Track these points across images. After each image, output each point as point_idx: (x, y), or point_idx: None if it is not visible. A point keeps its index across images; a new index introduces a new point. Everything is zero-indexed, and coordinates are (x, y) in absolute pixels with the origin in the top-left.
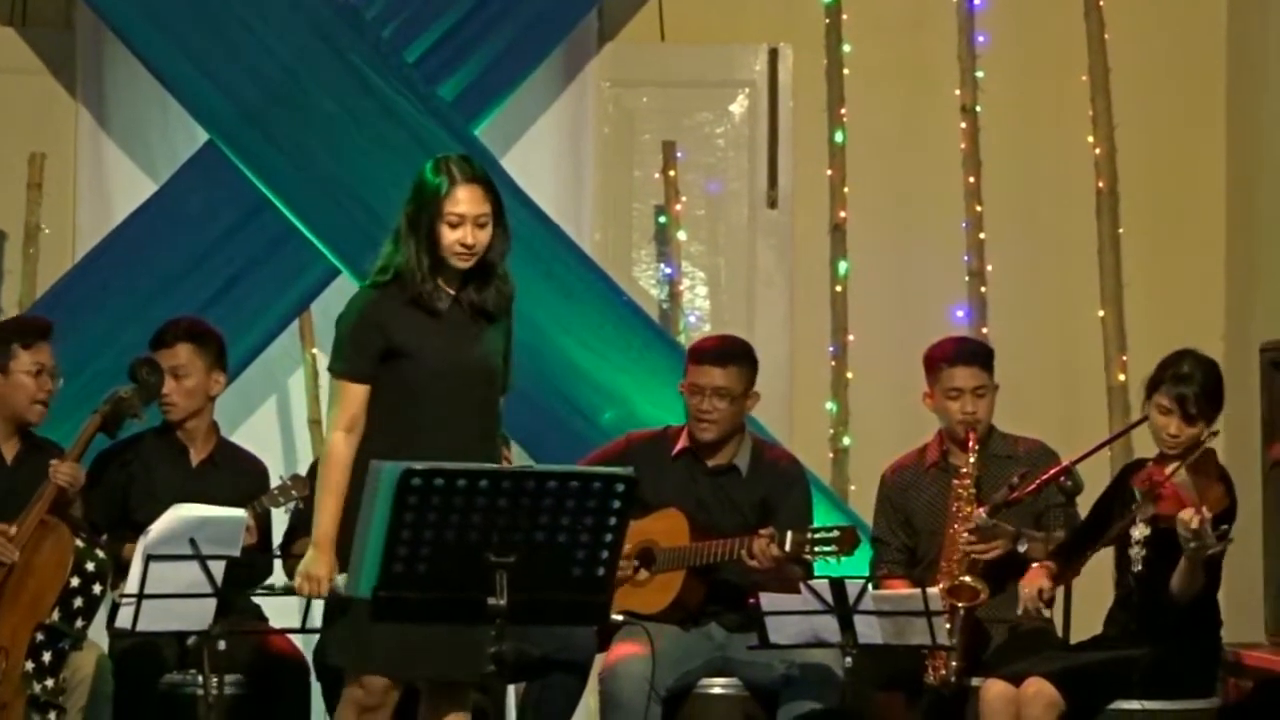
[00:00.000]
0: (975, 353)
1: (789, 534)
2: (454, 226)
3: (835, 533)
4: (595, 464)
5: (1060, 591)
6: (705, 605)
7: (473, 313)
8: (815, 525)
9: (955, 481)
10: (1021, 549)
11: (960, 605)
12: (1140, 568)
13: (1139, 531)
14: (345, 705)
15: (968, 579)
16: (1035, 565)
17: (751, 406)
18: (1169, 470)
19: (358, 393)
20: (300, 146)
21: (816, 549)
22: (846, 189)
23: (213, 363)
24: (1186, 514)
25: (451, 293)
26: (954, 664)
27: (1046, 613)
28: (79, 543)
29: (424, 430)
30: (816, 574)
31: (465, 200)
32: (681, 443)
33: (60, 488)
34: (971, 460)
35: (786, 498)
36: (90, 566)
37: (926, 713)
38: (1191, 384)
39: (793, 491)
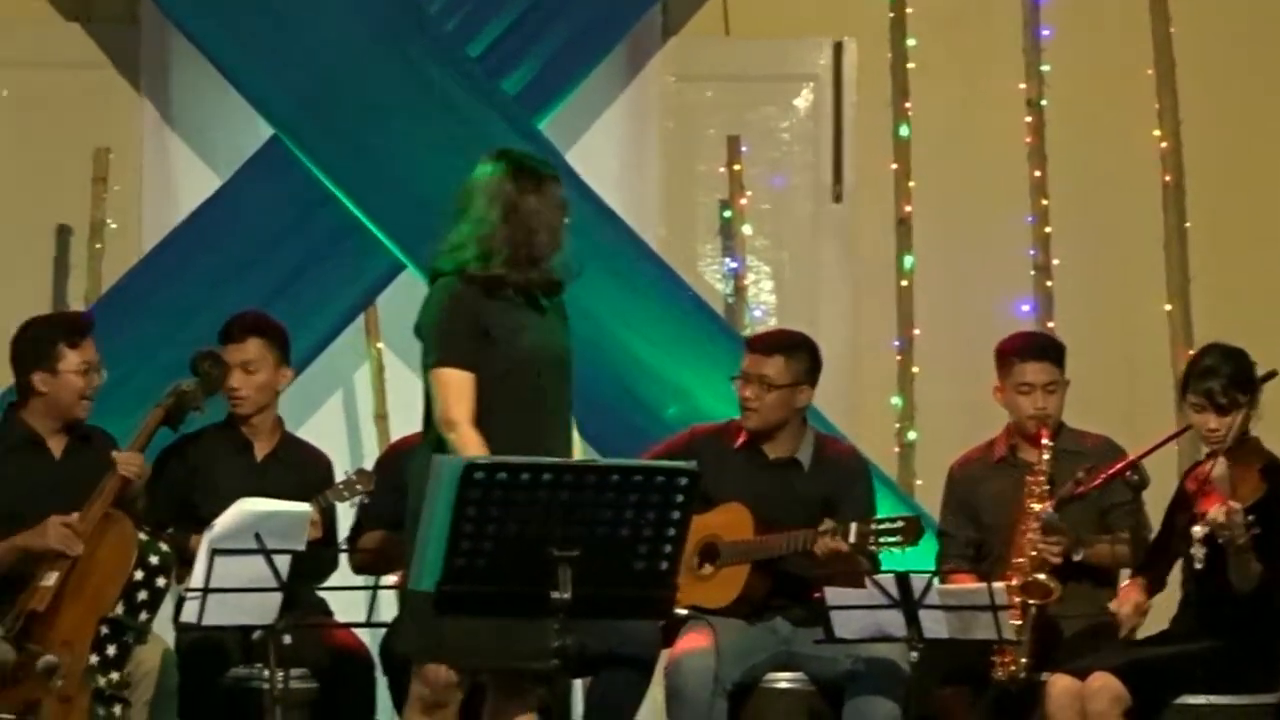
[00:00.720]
0: (1047, 348)
1: (853, 526)
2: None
3: (899, 523)
4: (658, 457)
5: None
6: (770, 599)
7: (539, 306)
8: (879, 517)
9: (1028, 478)
10: (1076, 557)
11: (1033, 602)
12: (1201, 565)
13: (1199, 530)
14: (411, 703)
15: (1041, 576)
16: (1127, 583)
17: (802, 402)
18: (1207, 465)
19: (468, 381)
20: (364, 141)
21: (881, 540)
22: (911, 183)
23: (280, 357)
24: (1214, 509)
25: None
26: (1024, 660)
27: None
28: (142, 536)
29: (497, 424)
30: (882, 568)
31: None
32: (743, 436)
33: (124, 479)
34: (1044, 457)
35: (850, 491)
36: (154, 560)
37: (992, 707)
38: (1216, 376)
39: (856, 485)
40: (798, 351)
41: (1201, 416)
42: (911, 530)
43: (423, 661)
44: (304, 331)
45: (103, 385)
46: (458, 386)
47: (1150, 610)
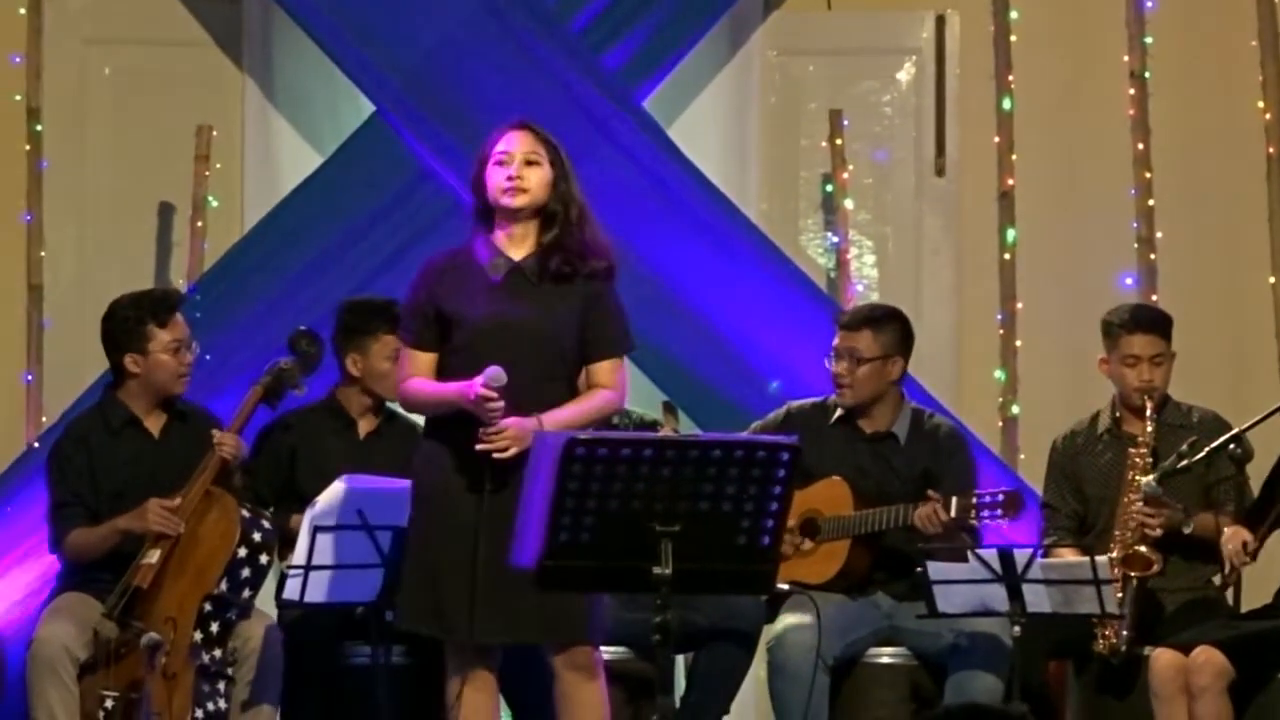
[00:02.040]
0: (1155, 320)
1: (954, 499)
2: (501, 164)
3: (1001, 496)
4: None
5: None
6: (871, 574)
7: (537, 274)
8: (980, 490)
9: (1132, 450)
10: (1187, 530)
11: (1134, 575)
12: None
13: None
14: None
15: (1142, 549)
16: (1235, 529)
17: (894, 374)
18: None
19: (422, 360)
20: (465, 116)
21: (983, 513)
22: (1014, 156)
23: None
24: None
25: (514, 257)
26: (1125, 633)
27: (1248, 561)
28: (245, 513)
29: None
30: (983, 542)
31: (514, 139)
32: (839, 411)
33: (223, 460)
34: (1149, 429)
35: (950, 465)
36: (257, 536)
37: (1096, 681)
38: None
39: (955, 458)
40: (886, 323)
41: None
42: (1014, 503)
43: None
44: None
45: (196, 359)
46: (409, 360)
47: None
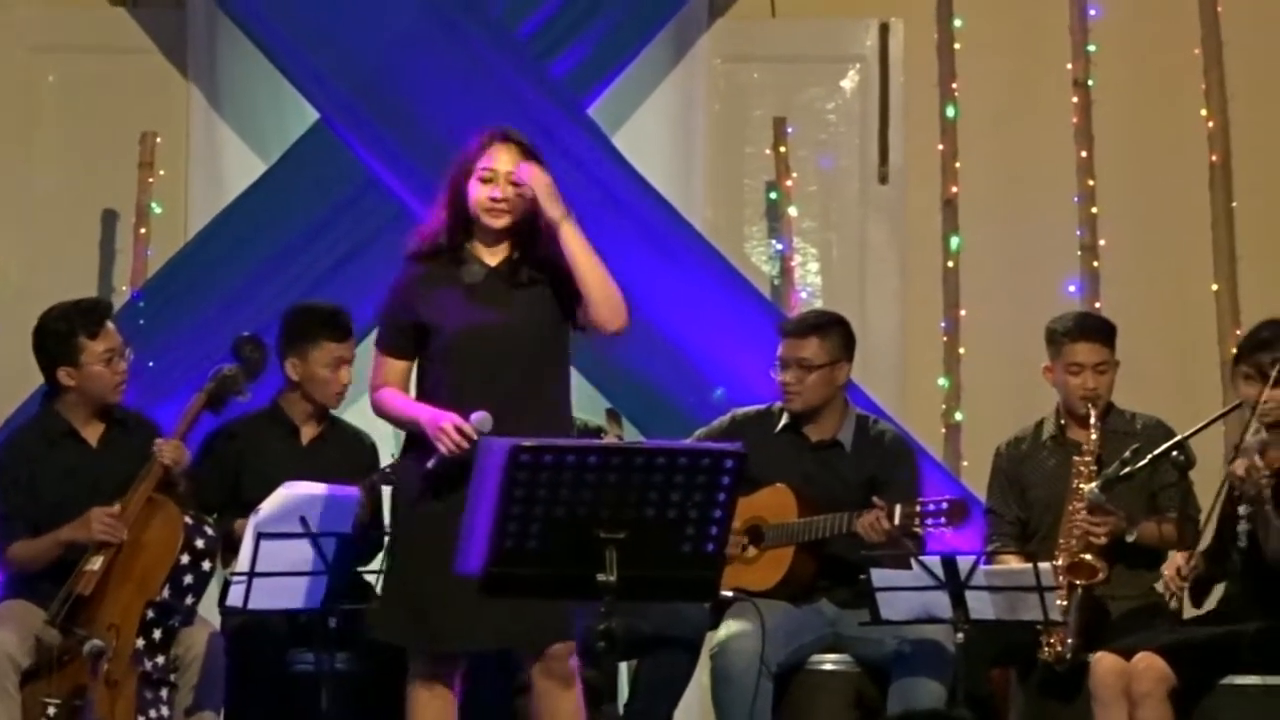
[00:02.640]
0: (1098, 328)
1: (898, 507)
2: (485, 181)
3: (945, 504)
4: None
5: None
6: (816, 581)
7: (512, 279)
8: (925, 498)
9: (1076, 458)
10: (1130, 538)
11: (1079, 583)
12: (1245, 543)
13: (1244, 508)
14: (410, 678)
15: (1087, 556)
16: (1174, 554)
17: (842, 379)
18: (1245, 430)
19: (395, 367)
20: (410, 124)
21: (927, 521)
22: (958, 164)
23: None
24: (1235, 464)
25: (490, 263)
26: (1070, 641)
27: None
28: (188, 519)
29: (464, 399)
30: (928, 549)
31: (499, 155)
32: (784, 419)
33: (165, 467)
34: (1093, 437)
35: (894, 472)
36: (199, 543)
37: (1039, 688)
38: (1270, 349)
39: (900, 465)
40: (831, 329)
41: (1251, 387)
42: (958, 511)
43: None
44: (352, 316)
45: (140, 366)
46: (382, 367)
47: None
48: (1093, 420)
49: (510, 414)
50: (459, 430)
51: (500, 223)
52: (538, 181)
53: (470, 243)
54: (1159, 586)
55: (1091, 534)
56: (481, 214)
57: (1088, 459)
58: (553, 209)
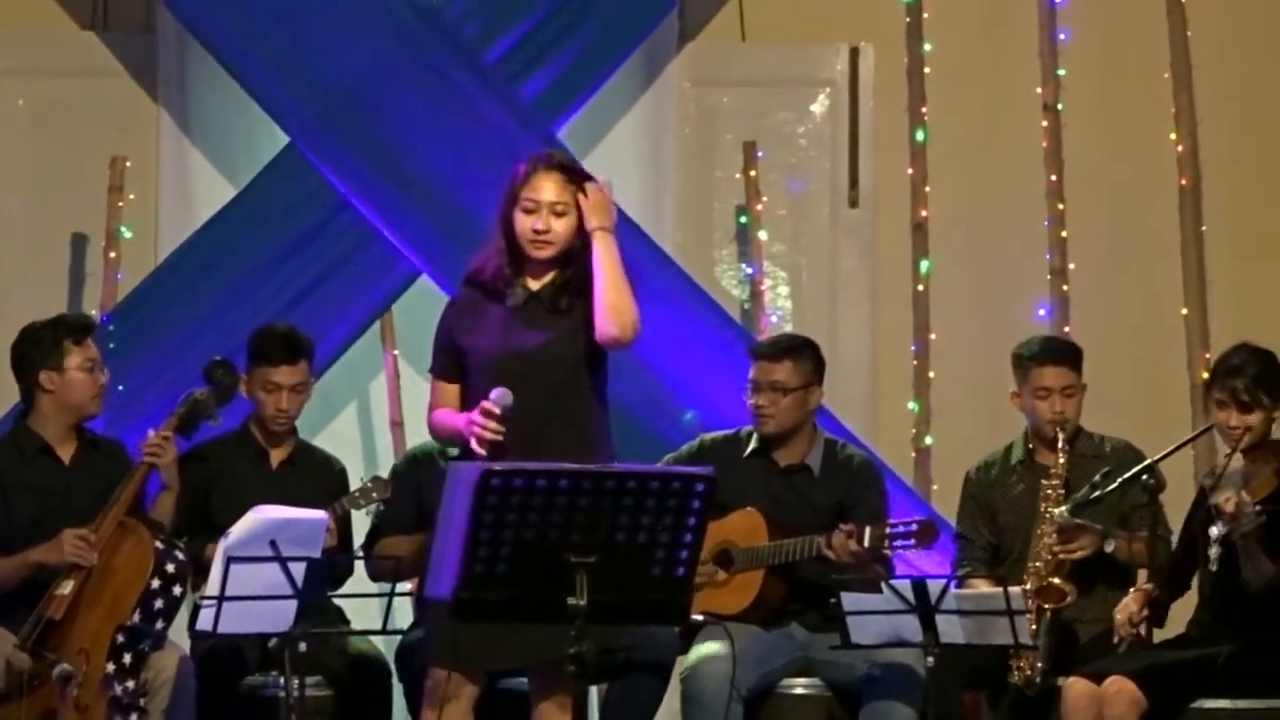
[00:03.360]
0: (1065, 352)
1: (867, 529)
2: (529, 212)
3: (914, 526)
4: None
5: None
6: (786, 604)
7: (550, 306)
8: (893, 520)
9: (1044, 481)
10: (1108, 549)
11: (1048, 606)
12: (1217, 567)
13: (1215, 530)
14: (425, 697)
15: (1055, 580)
16: (1133, 590)
17: (814, 402)
18: (1225, 460)
19: (447, 391)
20: (381, 147)
21: (896, 543)
22: (928, 188)
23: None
24: (1220, 497)
25: (531, 288)
26: (1039, 665)
27: (1140, 631)
28: (159, 544)
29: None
30: (896, 572)
31: (542, 186)
32: (753, 443)
33: (137, 489)
34: (1061, 461)
35: (863, 496)
36: (170, 568)
37: (1010, 712)
38: (1242, 374)
39: (869, 490)
40: (804, 352)
41: (1224, 413)
42: (927, 533)
43: (439, 666)
44: (322, 339)
45: (110, 390)
46: (434, 390)
47: (1148, 615)
48: (1061, 444)
49: (536, 437)
50: (483, 413)
51: (544, 254)
52: (592, 197)
53: (520, 268)
54: (1118, 628)
55: (1067, 552)
56: (525, 245)
57: (1055, 483)
58: (593, 219)
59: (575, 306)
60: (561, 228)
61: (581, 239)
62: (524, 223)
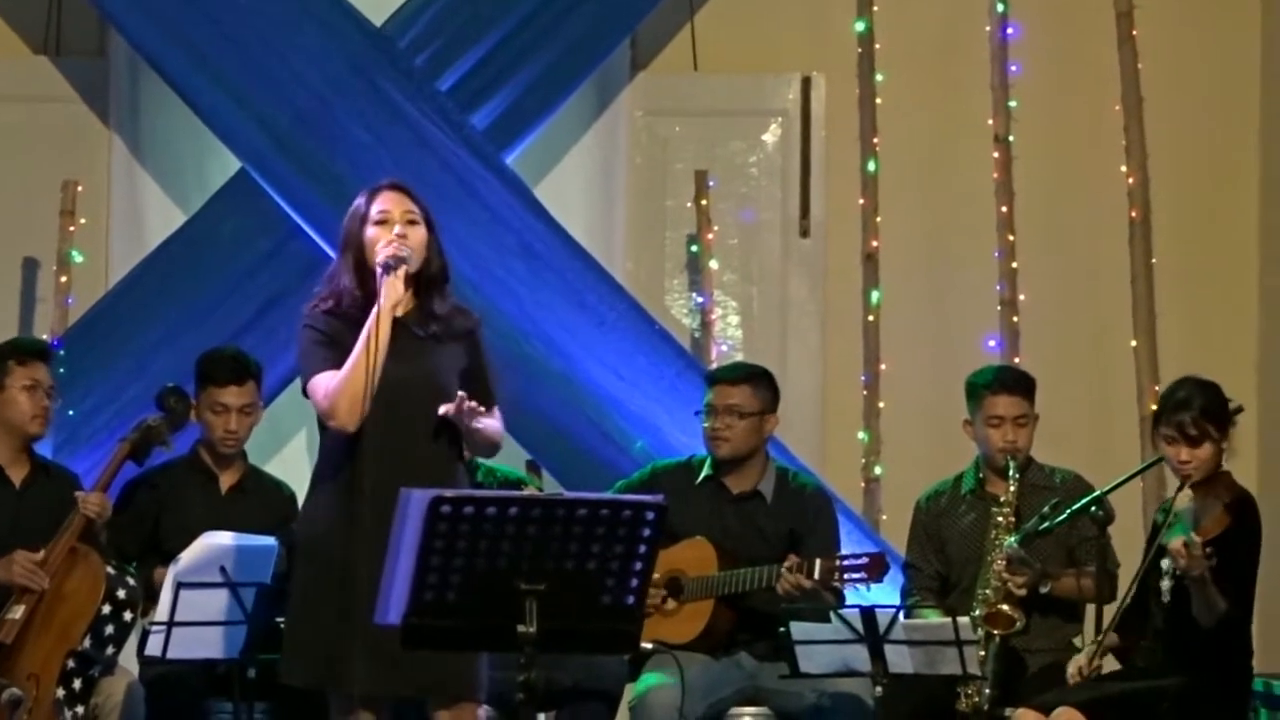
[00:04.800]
0: (1018, 380)
1: (818, 561)
2: (381, 224)
3: (864, 559)
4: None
5: (1091, 622)
6: (735, 634)
7: (415, 332)
8: (844, 552)
9: (995, 509)
10: (1043, 589)
11: (997, 633)
12: (1168, 599)
13: (1166, 563)
14: None
15: (1004, 607)
16: (1088, 644)
17: (769, 430)
18: (1175, 497)
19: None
20: (332, 174)
21: (846, 576)
22: (879, 218)
23: (260, 394)
24: (1172, 542)
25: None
26: (987, 692)
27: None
28: (110, 570)
29: (364, 453)
30: (847, 604)
31: (390, 200)
32: (706, 470)
33: (88, 518)
34: (1011, 489)
35: (815, 526)
36: (121, 593)
37: None
38: (1189, 408)
39: (820, 520)
40: (761, 379)
41: (1174, 448)
42: (876, 566)
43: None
44: (272, 365)
45: (59, 415)
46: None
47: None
48: (1011, 473)
49: (401, 463)
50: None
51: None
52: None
53: (370, 296)
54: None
55: (1010, 585)
56: (383, 255)
57: (1006, 511)
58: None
59: (442, 337)
60: (415, 235)
61: (432, 256)
62: (379, 234)
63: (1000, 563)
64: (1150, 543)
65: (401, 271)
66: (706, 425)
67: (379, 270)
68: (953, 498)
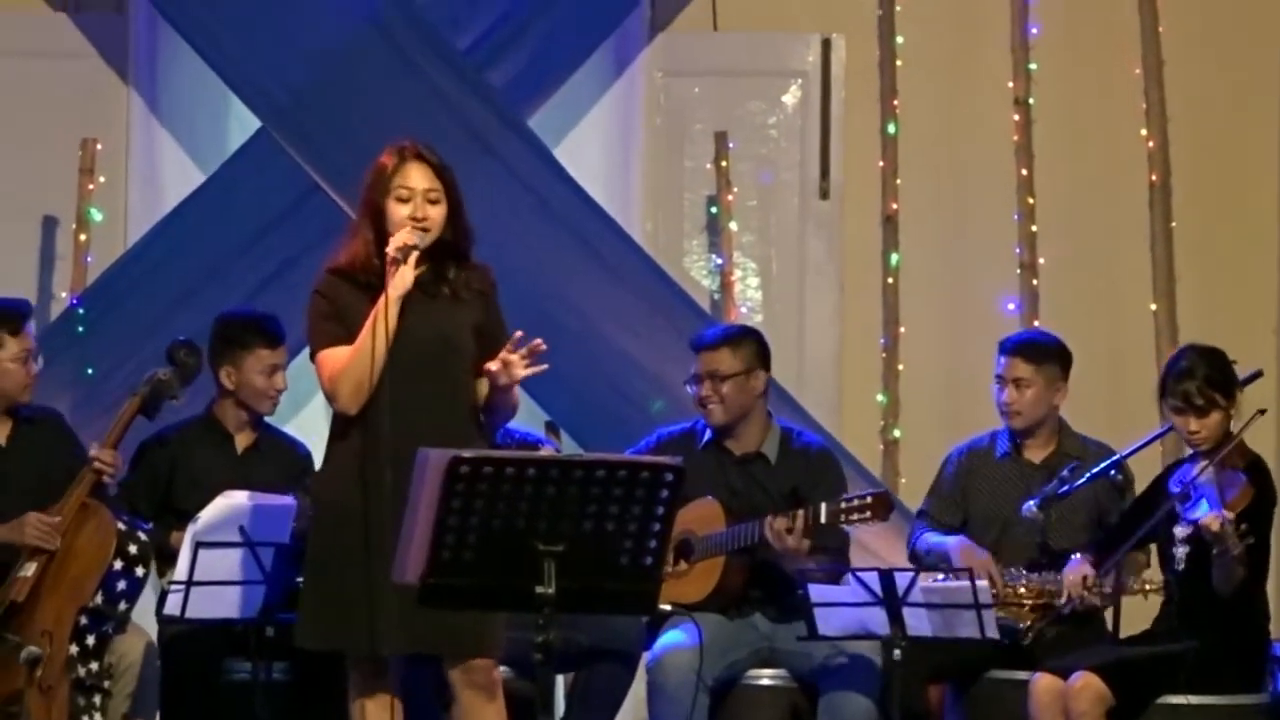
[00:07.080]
0: (1020, 343)
1: (823, 505)
2: (403, 201)
3: (869, 498)
4: None
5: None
6: (746, 592)
7: (431, 292)
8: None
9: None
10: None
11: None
12: (1183, 565)
13: (1181, 530)
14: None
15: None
16: (1078, 556)
17: (758, 387)
18: (1196, 471)
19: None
20: (350, 133)
21: (853, 516)
22: (898, 180)
23: None
24: (1207, 519)
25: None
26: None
27: (1095, 600)
28: (121, 525)
29: (380, 412)
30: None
31: (415, 175)
32: (708, 435)
33: (99, 474)
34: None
35: (818, 481)
36: (132, 549)
37: (976, 706)
38: (1192, 378)
39: (824, 475)
40: (742, 339)
41: (1181, 419)
42: (880, 504)
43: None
44: (291, 324)
45: (81, 374)
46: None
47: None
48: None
49: (418, 423)
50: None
51: (420, 241)
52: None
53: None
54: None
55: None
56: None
57: (1036, 477)
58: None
59: (455, 297)
60: (436, 214)
61: (451, 229)
62: (400, 211)
63: (1075, 575)
64: (1146, 500)
65: (412, 259)
66: (695, 394)
67: (389, 261)
68: (987, 458)
